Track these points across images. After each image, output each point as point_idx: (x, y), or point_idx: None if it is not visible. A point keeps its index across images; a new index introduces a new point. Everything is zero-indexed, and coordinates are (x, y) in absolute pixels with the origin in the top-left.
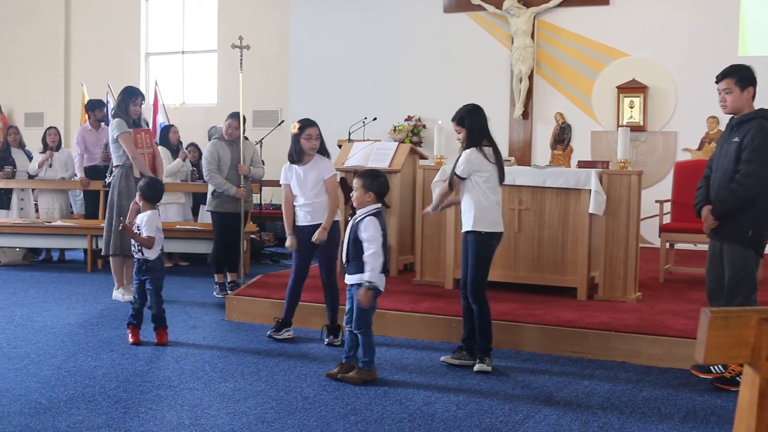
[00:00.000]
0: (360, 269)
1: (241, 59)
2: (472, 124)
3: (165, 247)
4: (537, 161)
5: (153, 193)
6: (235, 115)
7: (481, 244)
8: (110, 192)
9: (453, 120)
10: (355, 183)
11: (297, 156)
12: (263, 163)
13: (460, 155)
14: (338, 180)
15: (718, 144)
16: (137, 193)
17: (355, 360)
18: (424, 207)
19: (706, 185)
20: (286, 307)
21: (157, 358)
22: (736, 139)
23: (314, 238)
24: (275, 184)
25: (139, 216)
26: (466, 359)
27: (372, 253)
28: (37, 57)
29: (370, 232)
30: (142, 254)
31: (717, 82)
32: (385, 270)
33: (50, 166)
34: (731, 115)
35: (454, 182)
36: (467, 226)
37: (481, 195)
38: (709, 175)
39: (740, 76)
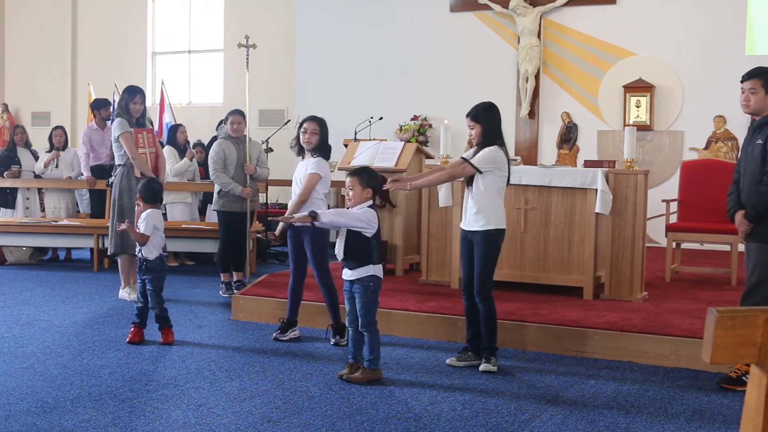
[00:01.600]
0: (361, 263)
1: (247, 58)
2: (489, 121)
3: (171, 246)
4: (543, 160)
5: (150, 194)
6: (235, 112)
7: (493, 243)
8: (112, 191)
9: (468, 115)
10: (350, 181)
11: (298, 151)
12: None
13: (479, 149)
14: (316, 179)
15: (743, 147)
16: (137, 195)
17: (362, 359)
18: (391, 183)
19: (736, 190)
20: (289, 307)
21: (162, 358)
22: (759, 141)
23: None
24: (281, 183)
25: (141, 215)
26: (472, 360)
27: (350, 215)
28: (44, 56)
29: (361, 213)
30: (142, 254)
31: (743, 81)
32: (379, 261)
33: (56, 166)
34: (751, 116)
35: (466, 173)
36: (480, 225)
37: (496, 194)
38: (737, 179)
39: (767, 79)
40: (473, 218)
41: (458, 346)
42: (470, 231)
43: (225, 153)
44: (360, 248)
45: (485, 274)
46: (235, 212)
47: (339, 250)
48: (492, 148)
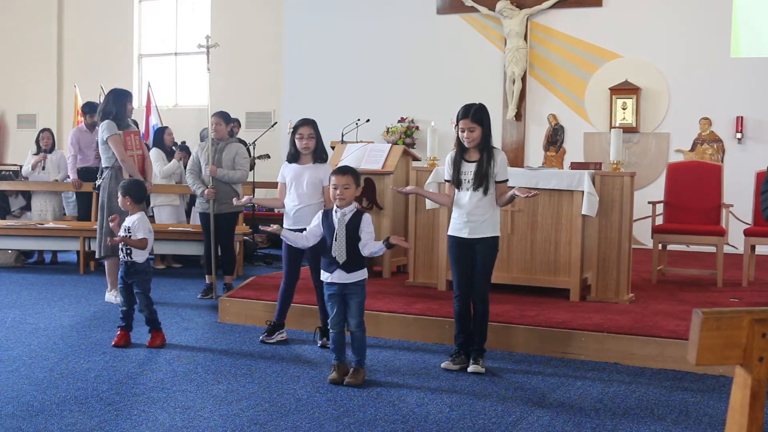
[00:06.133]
0: (360, 267)
1: (207, 58)
2: (488, 122)
3: (158, 249)
4: (530, 162)
5: (142, 193)
6: (215, 113)
7: (497, 247)
8: (100, 194)
9: (465, 117)
10: (343, 180)
11: (292, 156)
12: (255, 164)
13: (492, 159)
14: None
15: None
16: (121, 197)
17: (346, 360)
18: (399, 188)
19: None
20: (278, 309)
21: (149, 360)
22: None
23: None
24: (269, 185)
25: (129, 219)
26: (465, 362)
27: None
28: (30, 59)
29: (372, 227)
30: (130, 257)
31: None
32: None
33: (43, 168)
34: None
35: (499, 188)
36: (489, 232)
37: (496, 199)
38: None
39: None
40: (480, 226)
41: (446, 348)
42: (475, 239)
43: (198, 156)
44: (359, 252)
45: (489, 278)
46: (212, 213)
47: (340, 254)
48: (501, 154)
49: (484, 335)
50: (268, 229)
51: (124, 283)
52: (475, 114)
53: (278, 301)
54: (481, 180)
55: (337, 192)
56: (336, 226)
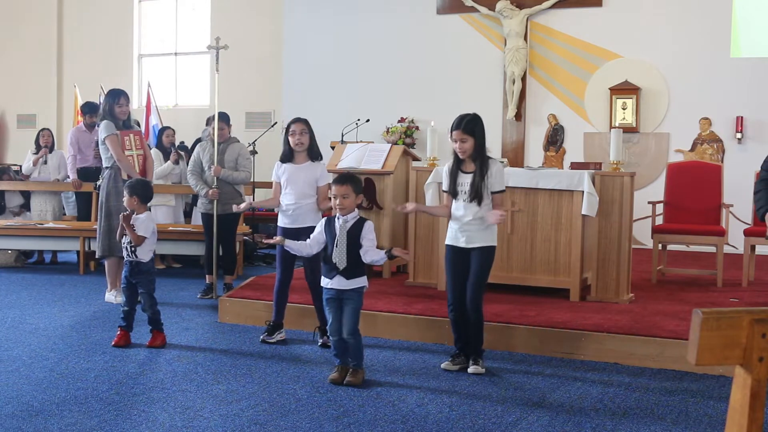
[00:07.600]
0: (359, 274)
1: (217, 60)
2: (481, 133)
3: (158, 249)
4: (530, 162)
5: (149, 193)
6: (219, 118)
7: (492, 257)
8: (100, 194)
9: (458, 128)
10: (342, 189)
11: (286, 155)
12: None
13: (487, 170)
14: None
15: None
16: (127, 196)
17: (348, 362)
18: (401, 207)
19: (766, 188)
20: (275, 309)
21: (149, 360)
22: None
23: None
24: (269, 185)
25: (135, 217)
26: (465, 363)
27: (374, 243)
28: (29, 58)
29: (374, 235)
30: (136, 256)
31: None
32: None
33: (45, 163)
34: None
35: (495, 198)
36: (485, 241)
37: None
38: (766, 178)
39: None
40: (475, 236)
41: (445, 348)
42: (471, 248)
43: (200, 156)
44: (359, 258)
45: (482, 288)
46: (210, 214)
47: (340, 260)
48: (497, 165)
49: (480, 340)
50: (272, 240)
51: (128, 283)
52: (467, 125)
53: (274, 301)
54: (476, 192)
55: (337, 201)
56: (337, 233)
